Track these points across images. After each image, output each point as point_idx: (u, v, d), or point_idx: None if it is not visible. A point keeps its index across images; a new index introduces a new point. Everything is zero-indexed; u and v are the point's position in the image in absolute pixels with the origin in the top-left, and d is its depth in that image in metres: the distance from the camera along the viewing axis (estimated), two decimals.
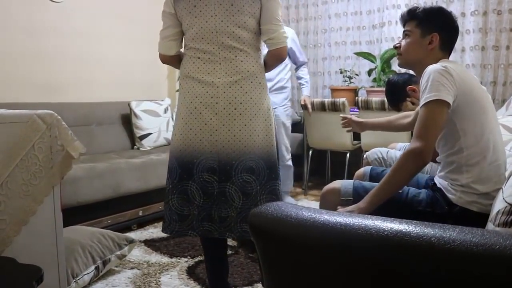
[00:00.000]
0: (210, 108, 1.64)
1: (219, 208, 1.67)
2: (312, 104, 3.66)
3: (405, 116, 2.12)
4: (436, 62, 1.49)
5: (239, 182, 1.65)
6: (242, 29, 1.62)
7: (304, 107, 3.55)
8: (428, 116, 1.37)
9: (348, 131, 2.35)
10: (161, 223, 2.95)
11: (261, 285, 2.04)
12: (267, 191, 1.68)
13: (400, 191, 1.51)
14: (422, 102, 1.41)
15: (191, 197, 1.68)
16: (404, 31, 1.63)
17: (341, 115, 2.30)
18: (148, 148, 3.48)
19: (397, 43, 1.66)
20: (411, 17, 1.60)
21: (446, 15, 1.59)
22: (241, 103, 1.64)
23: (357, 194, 1.55)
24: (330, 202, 1.61)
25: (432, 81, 1.38)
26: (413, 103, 2.23)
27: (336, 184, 1.65)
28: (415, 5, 4.06)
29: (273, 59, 1.74)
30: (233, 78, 1.64)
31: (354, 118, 2.21)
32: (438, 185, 1.50)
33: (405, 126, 2.12)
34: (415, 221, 0.80)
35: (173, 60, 1.77)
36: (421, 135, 1.37)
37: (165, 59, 1.77)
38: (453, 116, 1.41)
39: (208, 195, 1.66)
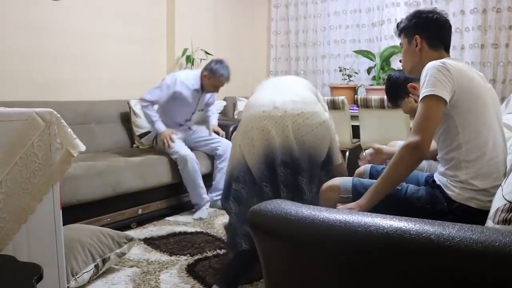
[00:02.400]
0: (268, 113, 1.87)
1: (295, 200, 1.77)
2: None
3: None
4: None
5: (307, 175, 1.85)
6: None
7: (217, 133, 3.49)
8: (425, 111, 1.39)
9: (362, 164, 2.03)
10: (160, 221, 2.97)
11: (261, 282, 2.04)
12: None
13: (399, 188, 1.52)
14: (420, 96, 1.43)
15: (277, 193, 1.82)
16: (400, 44, 1.72)
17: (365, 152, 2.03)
18: (147, 147, 3.48)
19: (400, 58, 1.76)
20: (399, 30, 1.69)
21: (420, 14, 1.63)
22: (303, 100, 1.94)
23: (356, 191, 1.56)
24: (329, 199, 1.62)
25: (430, 76, 1.41)
26: (416, 101, 2.23)
27: (336, 181, 1.65)
28: (413, 3, 4.07)
29: None
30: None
31: (375, 146, 1.98)
32: (438, 182, 1.51)
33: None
34: (414, 219, 0.80)
35: None
36: (418, 129, 1.39)
37: None
38: (452, 111, 1.42)
39: (288, 188, 1.83)
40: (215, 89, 3.23)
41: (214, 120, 3.53)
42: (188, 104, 3.22)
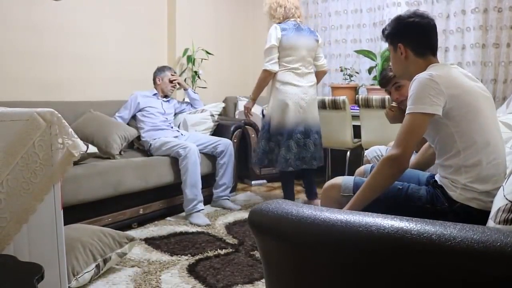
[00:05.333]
0: (298, 103, 3.13)
1: (304, 152, 3.15)
2: None
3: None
4: (422, 69, 1.51)
5: (313, 138, 3.18)
6: (311, 59, 3.24)
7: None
8: (409, 126, 1.42)
9: None
10: (161, 221, 2.97)
11: (261, 283, 2.04)
12: (319, 143, 3.25)
13: (400, 187, 1.52)
14: (407, 110, 1.44)
15: (291, 148, 3.11)
16: (387, 50, 1.69)
17: None
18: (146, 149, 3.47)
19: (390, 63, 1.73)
20: (384, 37, 1.66)
21: (400, 21, 1.59)
22: (314, 96, 3.25)
23: (357, 190, 1.56)
24: (331, 198, 1.62)
25: (417, 92, 1.41)
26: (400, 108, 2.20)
27: (338, 180, 1.66)
28: (414, 2, 4.06)
29: (323, 75, 3.48)
30: (310, 84, 3.21)
31: None
32: (439, 183, 1.51)
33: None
34: (415, 219, 0.80)
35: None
36: (400, 143, 1.42)
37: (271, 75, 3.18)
38: (446, 120, 1.42)
39: (299, 146, 3.13)
40: (171, 84, 3.54)
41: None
42: (156, 109, 3.42)
